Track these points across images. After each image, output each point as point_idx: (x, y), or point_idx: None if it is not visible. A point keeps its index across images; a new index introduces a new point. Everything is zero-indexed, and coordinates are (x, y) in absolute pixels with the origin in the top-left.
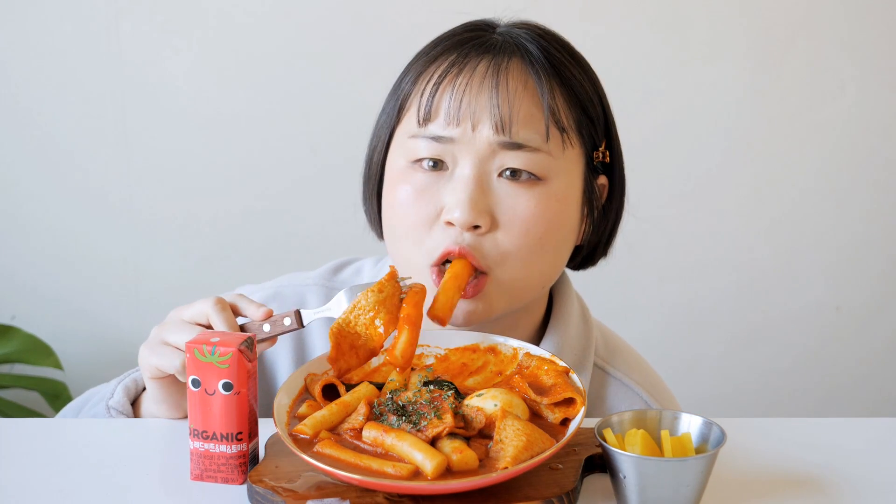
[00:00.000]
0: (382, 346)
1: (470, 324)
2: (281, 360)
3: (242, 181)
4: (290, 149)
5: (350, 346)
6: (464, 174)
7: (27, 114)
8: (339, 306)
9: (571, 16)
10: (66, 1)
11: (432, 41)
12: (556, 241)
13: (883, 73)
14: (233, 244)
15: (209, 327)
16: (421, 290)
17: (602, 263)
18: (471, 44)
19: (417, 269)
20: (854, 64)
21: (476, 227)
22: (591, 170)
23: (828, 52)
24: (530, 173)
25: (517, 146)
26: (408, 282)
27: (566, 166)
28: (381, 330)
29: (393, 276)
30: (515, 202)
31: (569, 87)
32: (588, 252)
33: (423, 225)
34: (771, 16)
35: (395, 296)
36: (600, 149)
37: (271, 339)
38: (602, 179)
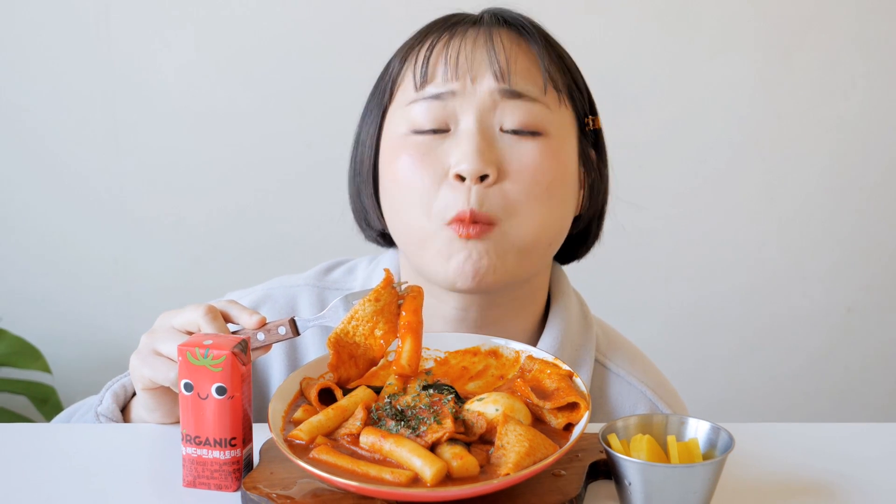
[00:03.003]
0: (383, 356)
1: (481, 282)
2: (274, 366)
3: (236, 179)
4: (285, 145)
5: (349, 356)
6: (468, 128)
7: (13, 110)
8: (334, 314)
9: (577, 9)
10: None
11: (417, 31)
12: (562, 194)
13: (893, 70)
14: (226, 244)
15: None
16: (418, 294)
17: (607, 263)
18: (455, 19)
19: (431, 231)
20: (865, 60)
21: (484, 178)
22: (584, 136)
23: (838, 48)
24: (531, 131)
25: (517, 95)
26: (404, 286)
27: (562, 122)
28: (381, 341)
29: (388, 283)
30: (521, 152)
31: (557, 55)
32: (582, 234)
33: (431, 187)
34: (781, 11)
35: (392, 303)
36: (590, 116)
37: (265, 346)
38: (591, 152)
